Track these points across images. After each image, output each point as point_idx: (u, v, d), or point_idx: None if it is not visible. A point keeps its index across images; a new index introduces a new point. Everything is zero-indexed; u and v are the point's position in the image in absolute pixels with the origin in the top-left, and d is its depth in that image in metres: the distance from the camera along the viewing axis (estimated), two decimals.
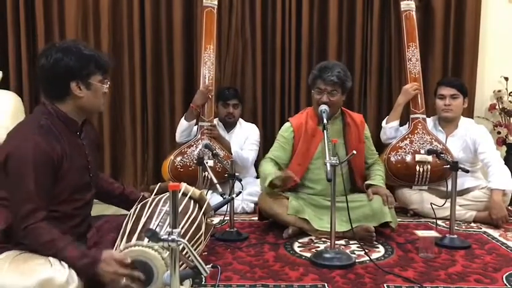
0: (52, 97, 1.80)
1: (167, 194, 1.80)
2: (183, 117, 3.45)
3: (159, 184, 2.11)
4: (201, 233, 1.96)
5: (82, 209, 1.88)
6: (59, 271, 1.60)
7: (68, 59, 1.73)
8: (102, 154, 3.80)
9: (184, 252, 1.61)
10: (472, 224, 3.02)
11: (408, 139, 3.24)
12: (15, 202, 1.66)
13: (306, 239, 2.64)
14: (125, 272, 1.62)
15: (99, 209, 2.21)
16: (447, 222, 2.78)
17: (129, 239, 1.73)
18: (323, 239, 2.62)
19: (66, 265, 1.64)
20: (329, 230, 2.31)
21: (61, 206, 1.77)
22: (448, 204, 2.63)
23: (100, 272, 1.62)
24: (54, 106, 1.79)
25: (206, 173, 3.02)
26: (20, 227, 1.64)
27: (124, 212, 2.12)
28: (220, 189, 2.50)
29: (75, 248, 1.67)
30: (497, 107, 3.77)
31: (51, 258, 1.64)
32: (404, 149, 3.20)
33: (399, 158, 3.17)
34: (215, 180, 2.57)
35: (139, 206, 1.95)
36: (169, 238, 1.33)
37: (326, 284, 2.00)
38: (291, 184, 2.69)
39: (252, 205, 3.28)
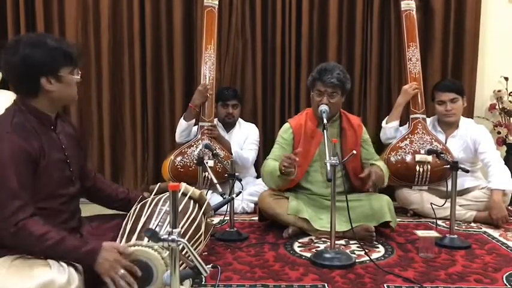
0: (24, 94, 1.76)
1: (167, 193, 1.81)
2: (182, 117, 3.45)
3: (158, 184, 2.11)
4: (200, 232, 1.97)
5: (68, 204, 1.84)
6: (58, 273, 1.58)
7: (35, 55, 1.68)
8: (102, 154, 3.81)
9: (184, 252, 1.61)
10: (472, 224, 3.02)
11: (408, 139, 3.24)
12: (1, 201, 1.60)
13: (306, 239, 2.64)
14: (125, 263, 1.61)
15: (98, 209, 2.21)
16: (447, 222, 2.78)
17: (128, 239, 1.73)
18: (323, 239, 2.62)
19: (66, 266, 1.62)
20: (329, 229, 2.31)
21: (45, 202, 1.73)
22: (448, 204, 2.63)
23: (100, 260, 1.60)
24: (26, 102, 1.75)
25: (206, 173, 3.02)
26: (9, 225, 1.58)
27: (121, 212, 2.11)
28: (220, 189, 2.50)
29: (73, 237, 1.66)
30: (497, 107, 3.77)
31: (50, 261, 1.61)
32: (404, 149, 3.20)
33: (399, 158, 3.17)
34: (215, 180, 2.57)
35: (138, 205, 1.95)
36: (169, 238, 1.33)
37: (326, 284, 2.00)
38: (294, 171, 2.57)
39: (252, 205, 3.28)
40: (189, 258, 1.44)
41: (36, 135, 1.71)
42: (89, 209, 2.19)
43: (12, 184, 1.59)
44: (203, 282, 1.98)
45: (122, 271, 1.60)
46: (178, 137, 3.46)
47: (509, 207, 3.21)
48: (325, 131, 2.36)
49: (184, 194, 2.00)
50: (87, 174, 2.07)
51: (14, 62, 1.69)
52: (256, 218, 2.97)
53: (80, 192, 1.96)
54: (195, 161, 3.22)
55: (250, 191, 3.27)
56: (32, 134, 1.70)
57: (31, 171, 1.66)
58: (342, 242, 2.59)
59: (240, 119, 3.61)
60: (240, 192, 2.66)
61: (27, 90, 1.74)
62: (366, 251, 2.37)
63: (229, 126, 3.57)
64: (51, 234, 1.60)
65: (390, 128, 3.38)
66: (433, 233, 2.44)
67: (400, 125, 3.43)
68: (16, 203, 1.59)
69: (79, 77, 1.82)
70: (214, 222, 2.78)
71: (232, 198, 2.55)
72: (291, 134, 2.83)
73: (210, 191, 3.08)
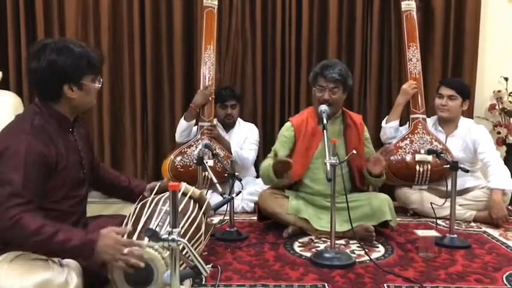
0: (45, 98, 1.79)
1: (167, 193, 1.81)
2: (183, 117, 3.45)
3: (158, 184, 2.11)
4: (200, 232, 1.96)
5: (78, 206, 1.87)
6: (57, 272, 1.59)
7: (60, 61, 1.70)
8: (102, 154, 3.81)
9: (184, 252, 1.61)
10: (472, 224, 3.02)
11: (408, 139, 3.24)
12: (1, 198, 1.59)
13: (306, 239, 2.64)
14: (124, 241, 1.60)
15: (98, 208, 2.21)
16: (447, 222, 2.78)
17: (129, 239, 1.72)
18: (323, 239, 2.62)
19: (65, 266, 1.62)
20: (329, 229, 2.32)
21: (58, 204, 1.76)
22: (447, 203, 2.63)
23: (99, 248, 1.58)
24: (47, 105, 1.78)
25: (206, 172, 3.02)
26: (4, 219, 1.56)
27: (122, 212, 2.11)
28: (220, 189, 2.50)
29: (69, 229, 1.63)
30: (497, 107, 3.77)
31: (50, 260, 1.62)
32: (405, 148, 3.20)
33: (399, 157, 3.17)
34: (215, 180, 2.57)
35: (139, 205, 1.95)
36: (170, 238, 1.33)
37: (326, 284, 2.00)
38: (290, 172, 2.60)
39: (252, 205, 3.27)
40: (189, 258, 1.44)
41: (55, 138, 1.74)
42: (89, 209, 2.19)
43: (17, 184, 1.60)
44: (203, 282, 1.98)
45: (126, 249, 1.58)
46: (179, 136, 3.46)
47: (509, 207, 3.21)
48: (324, 130, 2.37)
49: (184, 194, 2.00)
50: (94, 165, 2.08)
51: (39, 67, 1.71)
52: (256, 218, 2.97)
53: (88, 193, 1.97)
54: (194, 161, 3.22)
55: (250, 191, 3.27)
56: (50, 138, 1.72)
57: (43, 176, 1.67)
58: (342, 241, 2.59)
59: (239, 119, 3.61)
60: (240, 191, 2.66)
61: (49, 95, 1.77)
62: (366, 250, 2.37)
63: (228, 126, 3.57)
64: (46, 228, 1.58)
65: (390, 128, 3.38)
66: (433, 233, 2.44)
67: (400, 125, 3.43)
68: (15, 200, 1.58)
69: (100, 85, 1.86)
70: (214, 222, 2.78)
71: (232, 198, 2.55)
72: (292, 132, 2.84)
73: (210, 191, 3.08)
